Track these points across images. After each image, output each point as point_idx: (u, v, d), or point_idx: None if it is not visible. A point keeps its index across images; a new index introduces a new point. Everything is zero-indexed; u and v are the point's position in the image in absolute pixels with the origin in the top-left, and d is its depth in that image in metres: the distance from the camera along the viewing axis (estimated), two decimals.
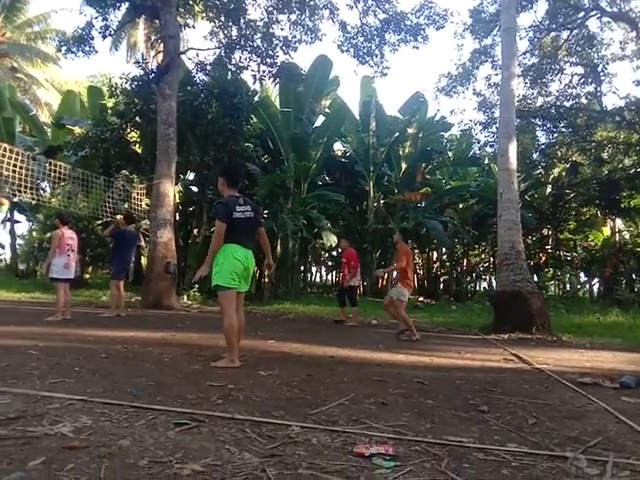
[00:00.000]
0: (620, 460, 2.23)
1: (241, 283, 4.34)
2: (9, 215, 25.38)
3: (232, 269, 4.22)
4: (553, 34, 19.17)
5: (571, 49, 19.04)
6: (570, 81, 19.83)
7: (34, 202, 14.22)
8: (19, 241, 28.34)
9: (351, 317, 9.93)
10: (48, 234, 19.06)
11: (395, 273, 8.18)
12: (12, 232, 24.29)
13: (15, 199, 20.10)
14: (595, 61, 19.02)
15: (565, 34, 18.86)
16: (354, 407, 3.06)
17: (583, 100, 20.23)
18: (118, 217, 9.95)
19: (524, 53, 19.02)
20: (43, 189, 19.79)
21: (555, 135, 20.71)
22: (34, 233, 28.15)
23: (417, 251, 28.77)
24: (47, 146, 18.48)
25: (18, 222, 25.90)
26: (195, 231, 18.29)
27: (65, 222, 8.08)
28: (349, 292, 10.10)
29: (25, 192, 10.87)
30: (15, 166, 10.54)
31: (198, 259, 18.55)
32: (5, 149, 10.45)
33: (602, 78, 19.08)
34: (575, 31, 18.37)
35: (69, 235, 8.00)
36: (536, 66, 19.30)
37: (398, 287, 7.40)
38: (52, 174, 11.42)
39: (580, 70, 19.81)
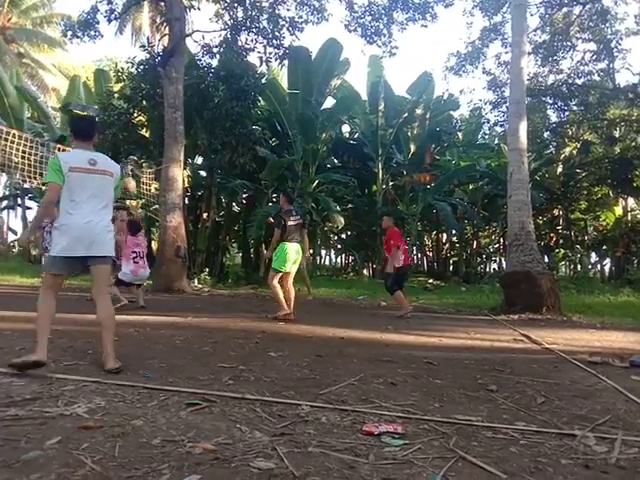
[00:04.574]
0: (628, 438, 2.24)
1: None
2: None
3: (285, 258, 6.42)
4: (565, 9, 18.68)
5: (583, 25, 18.53)
6: (582, 58, 19.36)
7: (44, 188, 14.29)
8: None
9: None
10: None
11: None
12: (24, 218, 24.55)
13: (25, 185, 20.26)
14: (608, 37, 18.48)
15: (577, 9, 18.37)
16: (363, 387, 3.08)
17: (595, 77, 19.78)
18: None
19: (535, 30, 18.58)
20: None
21: (566, 113, 20.34)
22: (45, 219, 28.36)
23: (426, 233, 28.74)
24: (59, 136, 18.52)
25: (29, 209, 26.14)
26: (205, 215, 18.31)
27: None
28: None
29: (35, 178, 10.93)
30: (25, 152, 10.61)
31: (208, 243, 18.64)
32: (14, 135, 10.52)
33: (615, 54, 18.59)
34: (588, 6, 17.85)
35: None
36: (547, 43, 18.85)
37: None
38: None
39: (593, 46, 19.31)
